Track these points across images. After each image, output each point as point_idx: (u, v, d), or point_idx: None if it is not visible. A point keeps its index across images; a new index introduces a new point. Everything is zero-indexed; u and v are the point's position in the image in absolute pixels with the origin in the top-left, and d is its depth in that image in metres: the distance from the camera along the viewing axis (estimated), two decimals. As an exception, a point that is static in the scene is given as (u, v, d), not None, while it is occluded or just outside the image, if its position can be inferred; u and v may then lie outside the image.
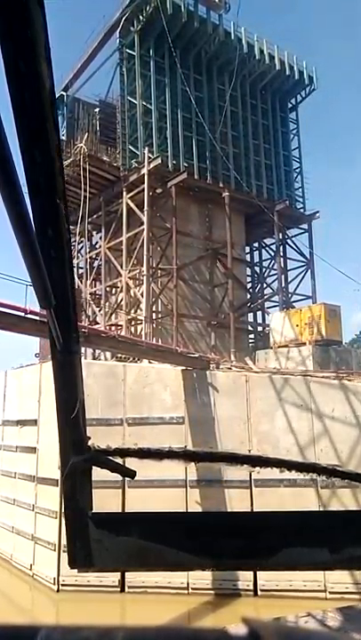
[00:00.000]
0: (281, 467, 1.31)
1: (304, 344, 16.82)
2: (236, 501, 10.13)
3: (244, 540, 1.22)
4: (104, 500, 9.21)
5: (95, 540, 1.21)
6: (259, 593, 9.71)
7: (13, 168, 0.71)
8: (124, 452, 1.29)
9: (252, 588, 9.79)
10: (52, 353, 1.13)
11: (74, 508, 1.23)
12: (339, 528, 1.22)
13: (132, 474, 1.27)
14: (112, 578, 9.91)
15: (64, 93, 27.57)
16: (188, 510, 9.18)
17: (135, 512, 1.22)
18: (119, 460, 1.27)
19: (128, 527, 1.24)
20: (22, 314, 8.64)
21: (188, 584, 9.83)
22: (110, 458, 1.26)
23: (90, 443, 1.23)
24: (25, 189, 0.81)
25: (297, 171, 28.54)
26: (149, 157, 21.80)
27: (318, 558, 1.19)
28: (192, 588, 9.81)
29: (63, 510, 1.25)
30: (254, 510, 9.21)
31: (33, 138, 0.79)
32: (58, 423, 1.21)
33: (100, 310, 25.23)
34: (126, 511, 8.36)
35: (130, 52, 24.10)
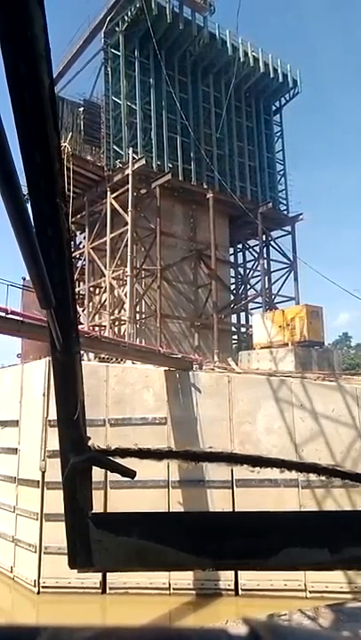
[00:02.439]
0: (281, 467, 1.32)
1: (286, 345, 16.94)
2: (218, 501, 10.17)
3: (245, 540, 1.22)
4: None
5: (95, 540, 1.21)
6: (240, 592, 9.76)
7: (13, 169, 0.71)
8: (124, 452, 1.28)
9: (233, 587, 9.83)
10: (52, 353, 1.13)
11: (74, 508, 1.23)
12: (339, 528, 1.23)
13: (131, 474, 1.27)
14: (93, 579, 9.88)
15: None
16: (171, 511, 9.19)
17: (135, 512, 1.22)
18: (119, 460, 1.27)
19: (128, 527, 1.24)
20: (3, 314, 8.57)
21: (169, 584, 9.83)
22: (110, 458, 1.25)
23: (90, 443, 1.23)
24: (25, 190, 0.82)
25: (281, 173, 28.75)
26: (134, 158, 21.77)
27: (318, 558, 1.19)
28: (174, 589, 9.82)
29: (63, 510, 1.23)
30: (235, 510, 9.26)
31: (33, 139, 0.79)
32: (58, 423, 1.21)
33: (83, 310, 25.10)
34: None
35: (115, 51, 24.05)
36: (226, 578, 9.77)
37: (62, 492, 1.23)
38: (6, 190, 0.73)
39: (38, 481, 10.46)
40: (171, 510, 9.41)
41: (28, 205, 0.83)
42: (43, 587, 10.06)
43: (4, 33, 0.68)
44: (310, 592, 9.53)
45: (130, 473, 1.26)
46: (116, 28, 23.76)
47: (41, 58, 0.72)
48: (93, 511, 1.24)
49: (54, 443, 9.66)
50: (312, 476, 7.58)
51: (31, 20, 0.68)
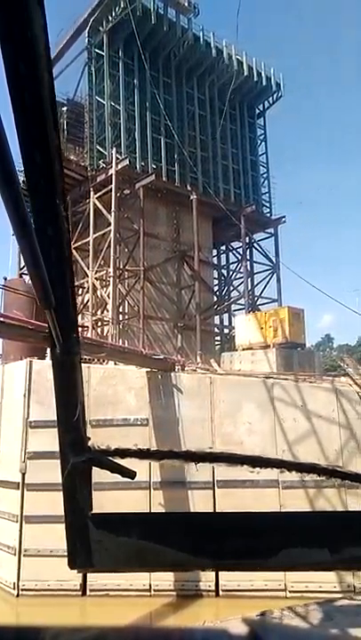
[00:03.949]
0: (281, 467, 1.31)
1: (268, 346, 17.05)
2: (200, 502, 10.18)
3: (244, 540, 1.21)
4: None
5: (95, 540, 1.20)
6: (220, 593, 9.78)
7: (13, 168, 0.71)
8: (124, 453, 1.27)
9: (213, 588, 9.85)
10: (52, 354, 1.12)
11: (74, 508, 1.23)
12: (339, 528, 1.22)
13: (131, 474, 1.26)
14: (74, 581, 9.81)
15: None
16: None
17: (135, 512, 1.21)
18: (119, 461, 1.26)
19: (128, 527, 1.23)
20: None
21: (150, 586, 9.81)
22: (110, 458, 1.25)
23: (90, 443, 1.22)
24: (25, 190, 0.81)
25: (264, 176, 28.95)
26: (117, 158, 21.73)
27: (318, 558, 1.19)
28: (154, 590, 9.80)
29: (63, 511, 1.23)
30: (217, 511, 9.29)
31: (33, 139, 0.79)
32: (58, 423, 1.20)
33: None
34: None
35: (99, 51, 23.99)
36: (207, 579, 9.78)
37: (62, 493, 1.23)
38: (6, 190, 0.73)
39: (18, 483, 10.35)
40: (151, 512, 9.41)
41: (28, 205, 0.83)
42: (22, 589, 9.95)
43: (4, 33, 0.68)
44: (290, 592, 9.59)
45: (130, 473, 1.26)
46: (100, 28, 23.71)
47: (41, 58, 0.72)
48: (93, 511, 1.23)
49: (35, 444, 9.60)
50: (292, 477, 7.60)
51: (31, 20, 0.68)
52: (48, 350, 15.95)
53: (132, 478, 1.26)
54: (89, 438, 1.22)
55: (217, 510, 9.81)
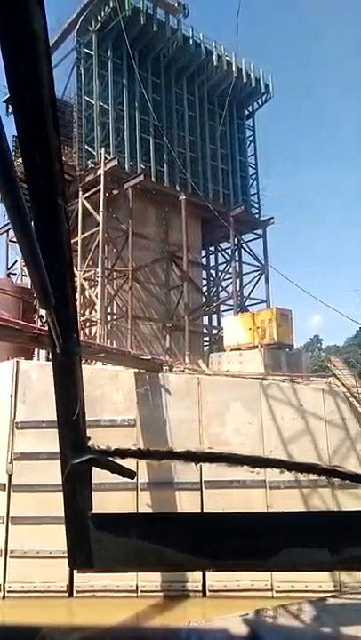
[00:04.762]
0: (281, 467, 1.31)
1: (256, 347, 17.11)
2: (187, 503, 10.19)
3: (244, 541, 1.21)
4: (51, 504, 8.89)
5: (95, 540, 1.20)
6: (207, 594, 9.79)
7: (13, 169, 0.71)
8: (124, 453, 1.27)
9: (200, 588, 9.86)
10: (52, 354, 1.12)
11: (74, 508, 1.22)
12: (339, 528, 1.22)
13: (131, 475, 1.25)
14: (60, 582, 9.77)
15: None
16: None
17: (135, 512, 1.20)
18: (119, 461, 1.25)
19: (128, 528, 1.23)
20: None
21: (137, 586, 9.80)
22: (110, 459, 1.24)
23: (90, 443, 1.22)
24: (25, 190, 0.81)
25: (253, 177, 29.05)
26: (106, 158, 21.68)
27: (318, 558, 1.19)
28: (141, 591, 9.79)
29: (63, 511, 1.22)
30: (204, 511, 9.30)
31: (33, 139, 0.79)
32: (58, 424, 1.20)
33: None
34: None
35: (87, 51, 23.93)
36: (194, 579, 9.79)
37: (62, 493, 1.22)
38: (6, 190, 0.73)
39: (5, 484, 10.28)
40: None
41: (28, 205, 0.83)
42: (8, 591, 9.89)
43: (4, 33, 0.68)
44: (277, 592, 9.63)
45: (130, 474, 1.25)
46: (89, 28, 23.65)
47: (41, 58, 0.72)
48: (93, 511, 1.23)
49: (22, 445, 9.52)
50: (278, 478, 7.62)
51: (31, 20, 0.68)
52: (35, 351, 15.88)
53: (132, 478, 1.25)
54: (89, 438, 1.21)
55: (204, 511, 9.82)
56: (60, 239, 0.94)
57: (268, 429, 10.69)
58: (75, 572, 9.64)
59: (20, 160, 0.83)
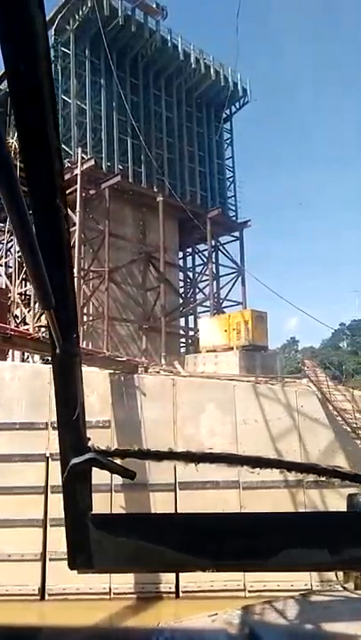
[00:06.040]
0: (280, 467, 1.32)
1: (232, 349, 17.22)
2: (161, 504, 10.18)
3: (244, 541, 1.21)
4: (24, 506, 8.82)
5: (95, 541, 1.20)
6: (180, 595, 9.80)
7: (13, 169, 0.71)
8: (124, 453, 1.28)
9: (174, 590, 9.86)
10: (52, 354, 1.12)
11: (74, 509, 1.22)
12: (339, 528, 1.23)
13: (131, 475, 1.26)
14: (32, 586, 9.65)
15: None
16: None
17: (135, 513, 1.20)
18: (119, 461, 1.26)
19: (128, 528, 1.24)
20: None
21: (110, 589, 9.74)
22: (110, 459, 1.24)
23: (89, 444, 1.22)
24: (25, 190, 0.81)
25: (230, 180, 29.23)
26: (83, 158, 21.56)
27: (318, 559, 1.20)
28: (114, 593, 9.74)
29: (63, 511, 1.22)
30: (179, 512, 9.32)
31: (33, 138, 0.80)
32: (58, 424, 1.20)
33: (29, 311, 24.56)
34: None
35: (65, 50, 23.75)
36: (167, 581, 9.79)
37: (62, 494, 1.22)
38: (6, 191, 0.73)
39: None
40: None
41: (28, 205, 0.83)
42: (-21, 595, 9.74)
43: (4, 33, 0.68)
44: (249, 591, 9.69)
45: (130, 474, 1.26)
46: (67, 27, 23.49)
47: (41, 57, 0.73)
48: (94, 512, 1.23)
49: (5, 448, 9.35)
50: (251, 478, 7.68)
51: (31, 20, 0.69)
52: (10, 352, 15.60)
53: (132, 479, 1.26)
54: (89, 439, 1.22)
55: (178, 512, 9.84)
56: (60, 239, 0.94)
57: (243, 431, 10.76)
58: (46, 574, 9.56)
59: (20, 160, 0.84)
